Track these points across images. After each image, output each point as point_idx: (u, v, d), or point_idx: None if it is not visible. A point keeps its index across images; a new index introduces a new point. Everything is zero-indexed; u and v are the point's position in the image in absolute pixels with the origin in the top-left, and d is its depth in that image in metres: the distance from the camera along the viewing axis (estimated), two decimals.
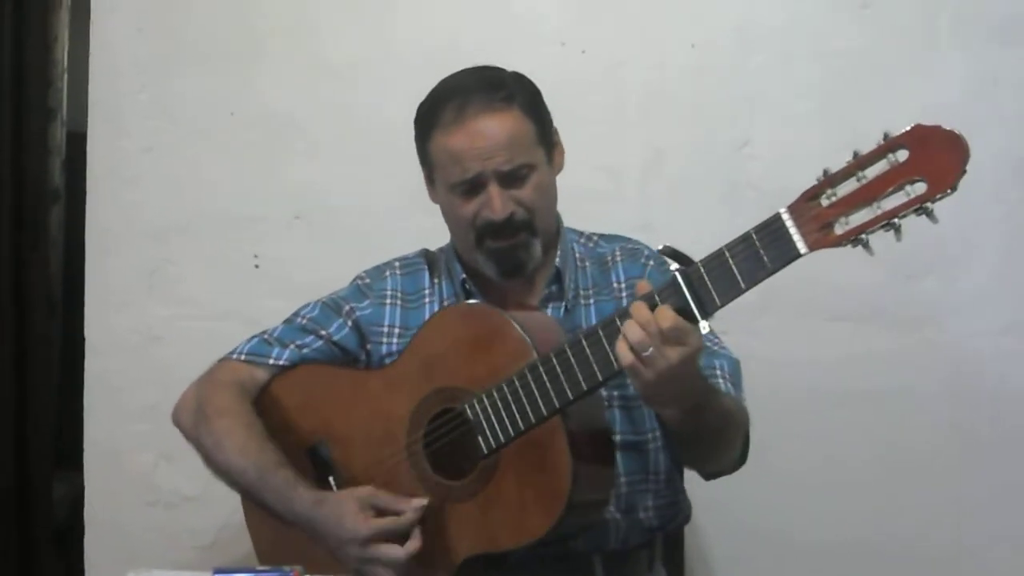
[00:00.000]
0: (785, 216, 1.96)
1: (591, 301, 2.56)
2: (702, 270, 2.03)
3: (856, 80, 3.33)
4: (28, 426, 3.77)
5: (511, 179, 2.42)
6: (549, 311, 2.54)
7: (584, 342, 2.16)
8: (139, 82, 3.52)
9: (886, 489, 3.35)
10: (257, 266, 3.50)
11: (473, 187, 2.43)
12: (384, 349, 2.59)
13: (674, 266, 2.05)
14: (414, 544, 2.29)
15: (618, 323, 2.10)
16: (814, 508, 3.30)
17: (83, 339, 3.58)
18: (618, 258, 2.60)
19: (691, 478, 2.60)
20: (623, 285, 2.56)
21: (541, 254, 2.49)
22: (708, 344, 2.41)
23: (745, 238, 1.99)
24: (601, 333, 2.14)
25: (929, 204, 1.85)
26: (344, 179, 3.45)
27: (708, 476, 2.53)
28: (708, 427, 2.27)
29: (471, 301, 2.54)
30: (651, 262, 2.57)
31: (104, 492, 3.57)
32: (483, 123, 2.43)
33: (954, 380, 3.35)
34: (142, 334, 3.53)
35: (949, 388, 3.35)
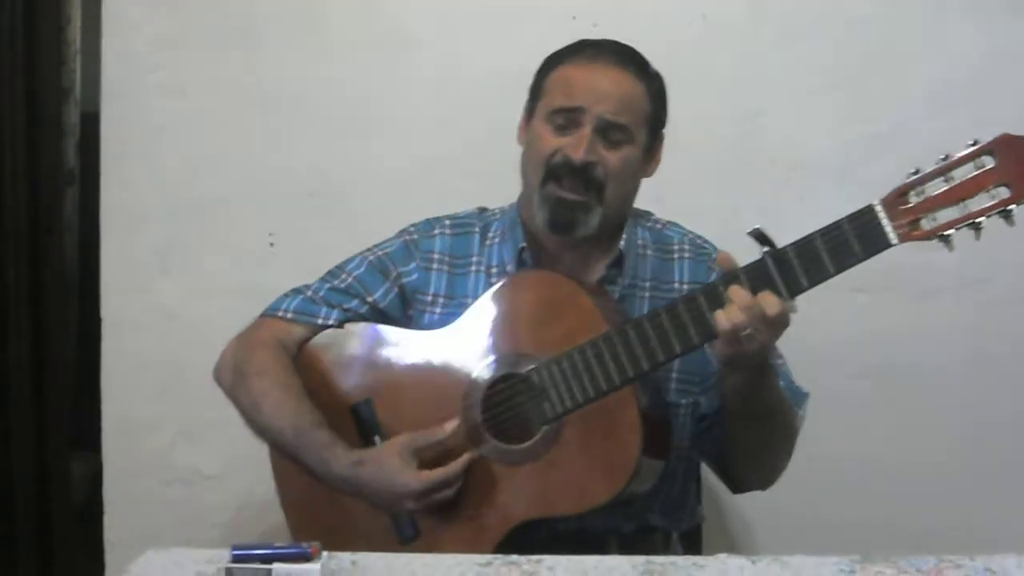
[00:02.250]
0: (878, 208, 2.09)
1: (646, 295, 2.54)
2: (790, 253, 2.14)
3: (868, 51, 3.33)
4: (46, 407, 3.78)
5: (607, 133, 2.42)
6: None
7: (663, 316, 2.23)
8: (152, 62, 3.51)
9: (907, 458, 3.36)
10: (272, 244, 3.49)
11: (570, 121, 2.42)
12: (426, 319, 2.57)
13: (763, 249, 2.14)
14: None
15: (702, 301, 2.19)
16: (830, 479, 3.31)
17: (99, 319, 3.59)
18: (686, 254, 2.59)
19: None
20: (685, 286, 2.54)
21: (596, 227, 2.45)
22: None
23: (837, 226, 2.11)
24: (682, 307, 2.21)
25: (1012, 207, 2.03)
26: (357, 156, 3.45)
27: (740, 486, 2.60)
28: (763, 405, 2.33)
29: (540, 270, 2.52)
30: (716, 267, 2.51)
31: (122, 471, 3.59)
32: (608, 71, 2.45)
33: (976, 349, 3.35)
34: (157, 313, 3.54)
35: (971, 357, 3.36)
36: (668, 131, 3.25)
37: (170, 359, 3.50)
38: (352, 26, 3.46)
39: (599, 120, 2.40)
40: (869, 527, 3.27)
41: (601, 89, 2.42)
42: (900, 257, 3.12)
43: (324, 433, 2.42)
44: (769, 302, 2.11)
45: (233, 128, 3.50)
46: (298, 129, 3.47)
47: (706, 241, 2.63)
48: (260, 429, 2.51)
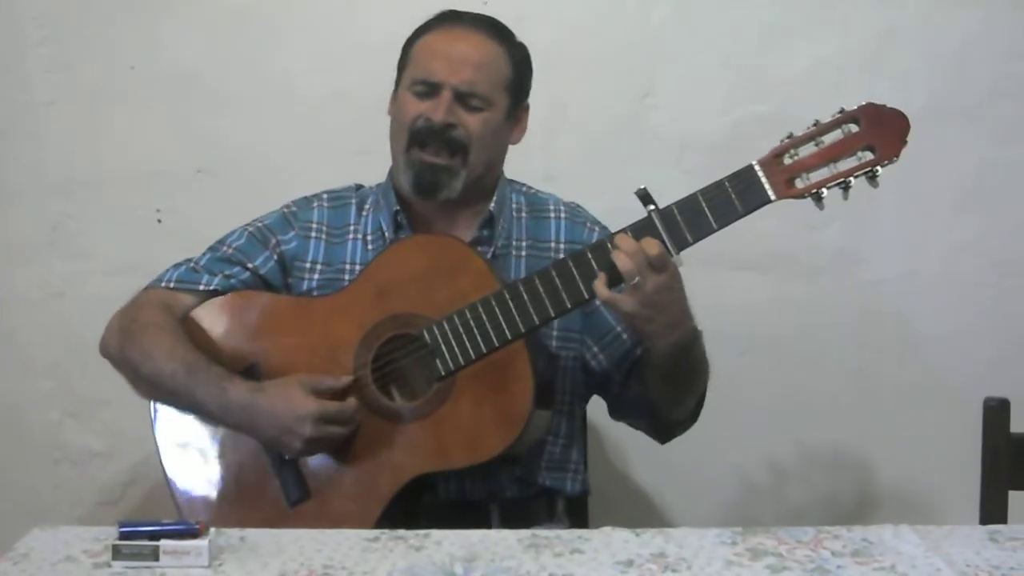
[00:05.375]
0: (757, 167, 2.24)
1: (523, 254, 2.61)
2: (675, 210, 2.25)
3: (757, 32, 3.36)
4: None
5: (465, 99, 2.50)
6: None
7: (554, 271, 2.32)
8: (40, 36, 3.46)
9: (791, 433, 3.42)
10: (160, 220, 3.47)
11: (430, 91, 2.50)
12: (304, 286, 2.60)
13: (648, 207, 2.25)
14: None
15: (590, 258, 2.29)
16: (719, 452, 3.36)
17: None
18: (562, 215, 2.67)
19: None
20: (562, 245, 2.62)
21: (459, 191, 2.52)
22: None
23: (718, 184, 2.25)
24: (572, 262, 2.31)
25: (878, 168, 2.20)
26: (246, 133, 3.43)
27: (664, 433, 2.64)
28: (689, 365, 2.42)
29: (431, 233, 2.57)
30: (596, 228, 2.65)
31: (9, 450, 3.55)
32: (467, 37, 2.55)
33: (857, 326, 3.42)
34: (44, 290, 3.50)
35: (853, 334, 3.43)
36: (558, 109, 3.30)
37: (57, 336, 3.46)
38: (243, 1, 3.43)
39: (455, 91, 2.49)
40: (752, 499, 3.32)
41: (458, 57, 2.51)
42: (786, 234, 3.22)
43: (218, 368, 2.44)
44: (650, 244, 2.20)
45: (121, 103, 3.46)
46: (186, 104, 3.44)
47: (579, 206, 2.71)
48: (151, 377, 2.49)
